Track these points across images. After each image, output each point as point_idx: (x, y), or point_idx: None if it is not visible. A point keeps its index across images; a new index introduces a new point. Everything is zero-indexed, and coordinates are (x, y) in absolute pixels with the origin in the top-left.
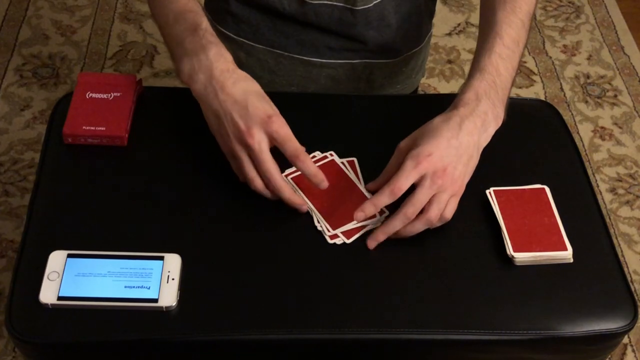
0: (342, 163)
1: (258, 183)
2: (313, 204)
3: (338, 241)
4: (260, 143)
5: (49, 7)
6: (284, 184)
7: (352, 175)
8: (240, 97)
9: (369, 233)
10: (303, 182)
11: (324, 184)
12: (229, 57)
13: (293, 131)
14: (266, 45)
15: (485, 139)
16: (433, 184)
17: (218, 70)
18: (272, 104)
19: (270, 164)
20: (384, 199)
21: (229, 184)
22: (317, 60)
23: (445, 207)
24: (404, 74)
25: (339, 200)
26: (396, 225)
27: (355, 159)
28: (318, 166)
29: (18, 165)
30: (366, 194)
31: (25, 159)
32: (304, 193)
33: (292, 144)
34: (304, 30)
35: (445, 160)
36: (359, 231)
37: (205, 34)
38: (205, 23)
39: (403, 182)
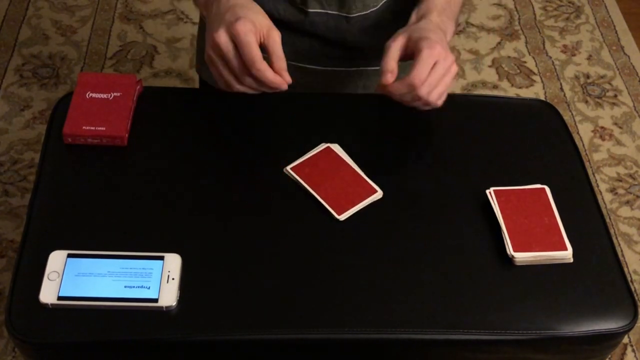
0: (340, 151)
1: (234, 78)
2: (317, 193)
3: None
4: (227, 42)
5: (49, 7)
6: (248, 72)
7: (351, 162)
8: (226, 8)
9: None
10: (303, 172)
11: (284, 86)
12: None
13: (292, 130)
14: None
15: (446, 44)
16: (443, 63)
17: (232, 1)
18: (251, 15)
19: (235, 57)
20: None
21: (230, 184)
22: (314, 68)
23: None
24: None
25: (341, 188)
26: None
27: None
28: (317, 154)
29: (18, 165)
30: (367, 180)
31: (25, 159)
32: (305, 182)
33: (249, 50)
34: (300, 38)
35: (445, 48)
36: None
37: None
38: None
39: (427, 71)
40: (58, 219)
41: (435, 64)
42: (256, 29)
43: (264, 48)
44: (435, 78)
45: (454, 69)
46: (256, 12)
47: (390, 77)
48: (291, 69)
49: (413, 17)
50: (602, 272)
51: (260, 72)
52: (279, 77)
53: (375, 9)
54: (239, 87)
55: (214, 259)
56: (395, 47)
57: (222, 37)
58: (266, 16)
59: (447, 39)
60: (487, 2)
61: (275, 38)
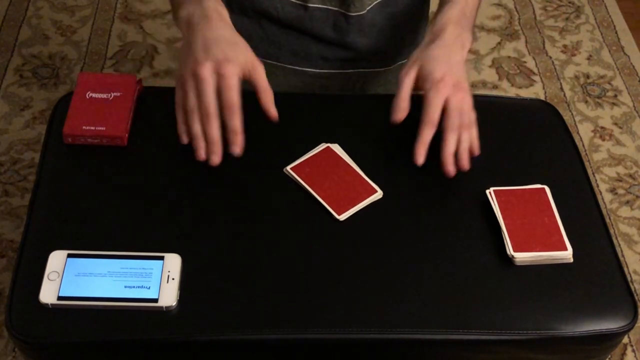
0: (340, 151)
1: (196, 115)
2: (317, 193)
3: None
4: (209, 77)
5: (49, 7)
6: (216, 120)
7: (351, 162)
8: (212, 39)
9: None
10: (303, 172)
11: (236, 148)
12: (223, 12)
13: (292, 130)
14: (258, 56)
15: (465, 56)
16: (455, 101)
17: (207, 18)
18: (239, 53)
19: (211, 96)
20: (429, 132)
21: (229, 184)
22: (311, 71)
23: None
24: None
25: (341, 188)
26: (452, 141)
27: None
28: (317, 154)
29: (18, 165)
30: (367, 180)
31: (25, 159)
32: (305, 182)
33: (232, 94)
34: (297, 39)
35: (454, 78)
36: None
37: None
38: None
39: (437, 113)
40: (58, 219)
41: (446, 100)
42: (243, 67)
43: (248, 83)
44: (455, 117)
45: (467, 99)
46: (242, 47)
47: (401, 116)
48: (289, 72)
49: (428, 34)
50: (602, 272)
51: (234, 117)
52: (241, 135)
53: (371, 6)
54: (193, 123)
55: (214, 259)
56: (408, 82)
57: (207, 71)
58: (251, 50)
59: (464, 52)
60: (487, 2)
61: (260, 72)
